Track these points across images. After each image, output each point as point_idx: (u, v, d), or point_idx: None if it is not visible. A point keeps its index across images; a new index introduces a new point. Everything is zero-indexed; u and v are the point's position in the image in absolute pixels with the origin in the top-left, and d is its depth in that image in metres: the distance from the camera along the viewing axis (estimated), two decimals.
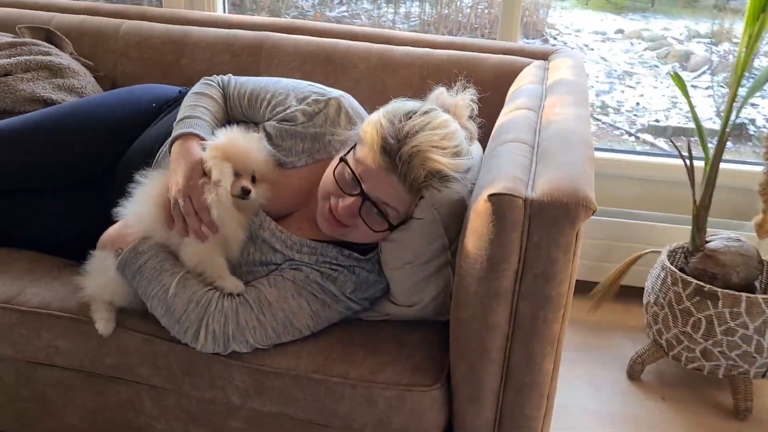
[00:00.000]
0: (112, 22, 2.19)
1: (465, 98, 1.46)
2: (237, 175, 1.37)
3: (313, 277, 1.41)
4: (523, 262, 1.16)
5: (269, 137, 1.51)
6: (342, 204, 1.33)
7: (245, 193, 1.36)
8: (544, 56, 2.00)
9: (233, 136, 1.40)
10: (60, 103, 1.91)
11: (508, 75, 1.91)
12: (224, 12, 2.68)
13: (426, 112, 1.33)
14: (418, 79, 1.97)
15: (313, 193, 1.47)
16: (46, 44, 2.06)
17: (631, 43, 3.64)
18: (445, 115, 1.36)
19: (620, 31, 3.69)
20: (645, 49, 3.66)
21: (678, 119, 3.36)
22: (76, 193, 1.71)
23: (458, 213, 1.34)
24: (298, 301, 1.40)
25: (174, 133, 1.47)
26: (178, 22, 2.20)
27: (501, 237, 1.14)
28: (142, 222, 1.43)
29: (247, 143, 1.39)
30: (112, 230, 1.49)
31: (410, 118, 1.31)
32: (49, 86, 1.94)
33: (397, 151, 1.27)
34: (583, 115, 1.46)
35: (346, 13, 3.51)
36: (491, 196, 1.13)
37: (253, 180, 1.39)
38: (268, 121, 1.54)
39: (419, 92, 1.90)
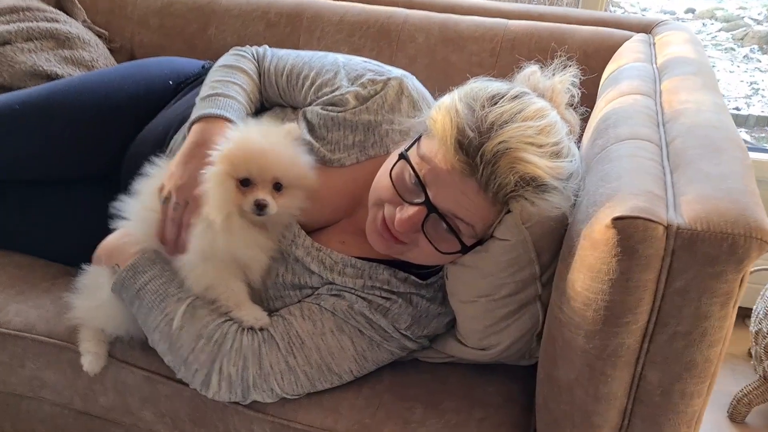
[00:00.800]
0: None
1: (564, 80, 1.11)
2: (248, 182, 1.05)
3: (358, 307, 1.10)
4: (658, 315, 0.82)
5: (311, 127, 1.19)
6: (400, 215, 1.01)
7: (260, 208, 1.04)
8: (646, 29, 1.63)
9: (245, 137, 1.06)
10: (63, 77, 1.62)
11: (603, 51, 1.55)
12: None
13: (517, 97, 0.99)
14: (489, 55, 1.63)
15: (362, 198, 1.14)
16: (54, 10, 1.78)
17: (703, 24, 3.36)
18: (541, 102, 1.02)
19: (691, 11, 3.39)
20: (719, 30, 3.34)
21: (761, 107, 3.04)
22: (76, 187, 1.42)
23: (556, 233, 1.00)
24: (339, 339, 1.09)
25: (196, 113, 1.16)
26: None
27: (628, 278, 0.80)
28: (145, 230, 1.13)
29: (268, 143, 1.05)
30: (109, 240, 1.20)
31: (496, 103, 0.97)
32: (53, 58, 1.65)
33: (478, 148, 0.93)
34: (721, 105, 1.09)
35: None
36: (617, 220, 0.79)
37: (278, 187, 1.07)
38: (310, 105, 1.22)
39: (491, 73, 1.56)
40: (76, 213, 1.41)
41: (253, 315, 1.08)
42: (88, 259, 1.21)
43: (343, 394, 1.10)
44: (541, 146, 0.95)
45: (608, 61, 1.53)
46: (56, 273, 1.37)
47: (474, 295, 1.06)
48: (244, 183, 1.04)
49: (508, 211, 0.98)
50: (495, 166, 0.93)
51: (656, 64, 1.38)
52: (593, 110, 1.31)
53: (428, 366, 1.18)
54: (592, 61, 1.52)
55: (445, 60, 1.65)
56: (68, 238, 1.40)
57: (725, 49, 3.31)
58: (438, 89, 1.22)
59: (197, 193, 1.05)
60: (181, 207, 1.08)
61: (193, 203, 1.06)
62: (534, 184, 0.94)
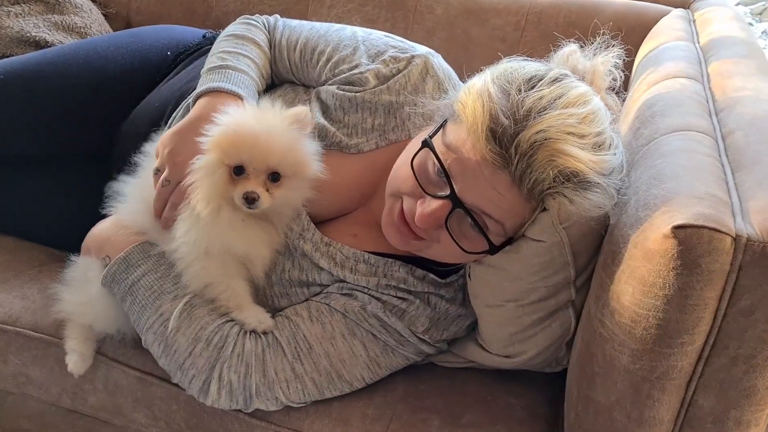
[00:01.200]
0: None
1: (607, 62, 0.99)
2: (242, 170, 0.93)
3: (371, 308, 1.00)
4: (717, 336, 0.72)
5: (325, 108, 1.08)
6: (421, 210, 0.90)
7: (250, 202, 0.93)
8: (683, 4, 1.51)
9: (236, 121, 0.94)
10: (53, 45, 1.50)
11: (638, 27, 1.44)
12: None
13: (557, 80, 0.88)
14: (513, 30, 1.52)
15: (379, 187, 1.04)
16: None
17: None
18: (583, 86, 0.90)
19: None
20: (737, 4, 3.24)
21: None
22: (65, 166, 1.32)
23: (595, 234, 0.90)
24: (351, 344, 0.99)
25: (203, 85, 1.05)
26: None
27: (687, 295, 0.70)
28: (139, 217, 1.03)
29: (263, 128, 0.93)
30: (99, 228, 1.10)
31: (534, 87, 0.86)
32: (42, 24, 1.53)
33: (512, 138, 0.82)
34: None
35: None
36: (678, 229, 0.69)
37: (275, 178, 0.95)
38: (325, 84, 1.10)
39: (515, 49, 1.45)
40: (65, 193, 1.30)
41: (256, 317, 0.98)
42: (79, 243, 1.11)
43: (354, 403, 1.01)
44: (583, 137, 0.84)
45: (644, 38, 1.41)
46: (44, 258, 1.27)
47: (500, 299, 0.96)
48: (238, 171, 0.93)
49: (544, 209, 0.87)
50: (531, 158, 0.82)
51: (699, 43, 1.26)
52: (628, 92, 1.20)
53: (445, 371, 1.08)
54: (626, 39, 1.39)
55: (465, 34, 1.53)
56: (57, 221, 1.31)
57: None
58: (456, 67, 1.12)
59: (189, 172, 0.95)
60: (171, 185, 0.97)
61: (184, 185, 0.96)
62: (574, 180, 0.83)
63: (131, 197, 1.05)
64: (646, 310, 0.73)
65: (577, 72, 0.96)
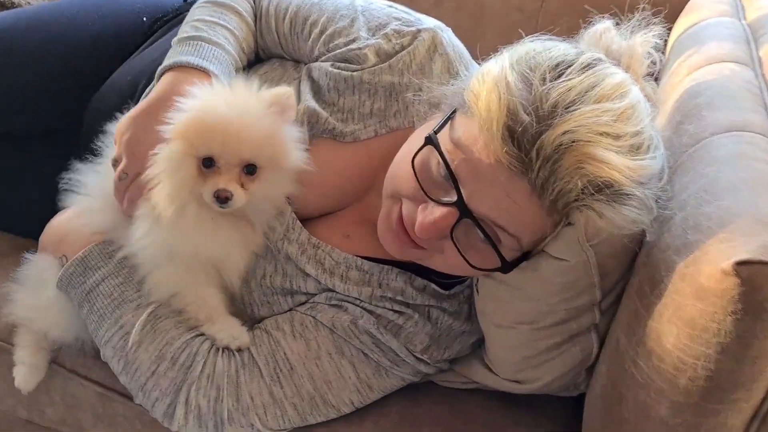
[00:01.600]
0: None
1: (646, 42, 0.84)
2: (211, 163, 0.80)
3: (363, 324, 0.87)
4: None
5: (317, 89, 0.93)
6: (423, 218, 0.77)
7: (221, 201, 0.79)
8: None
9: (204, 105, 0.79)
10: (21, 6, 1.35)
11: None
12: None
13: (589, 66, 0.73)
14: None
15: (377, 180, 0.90)
16: None
17: None
18: (619, 73, 0.75)
19: None
20: None
21: None
22: (27, 144, 1.18)
23: (628, 252, 0.76)
24: (338, 364, 0.87)
25: (171, 58, 0.92)
26: None
27: (747, 344, 0.57)
28: (99, 215, 0.90)
29: (236, 113, 0.79)
30: (58, 222, 0.97)
31: (561, 75, 0.71)
32: None
33: (534, 139, 0.68)
34: None
35: None
36: (741, 266, 0.55)
37: (251, 170, 0.81)
38: (317, 60, 0.96)
39: (533, 21, 1.31)
40: (27, 175, 1.17)
41: (230, 332, 0.85)
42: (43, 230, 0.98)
43: (341, 429, 0.89)
44: (618, 138, 0.70)
45: (680, 12, 1.25)
46: (4, 248, 1.14)
47: (512, 320, 0.83)
48: (207, 163, 0.79)
49: (568, 223, 0.73)
50: (556, 164, 0.68)
51: (746, 20, 1.10)
52: (663, 75, 1.05)
53: (446, 393, 0.96)
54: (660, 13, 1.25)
55: (477, 2, 1.38)
56: (18, 205, 1.17)
57: None
58: (469, 42, 0.96)
59: (148, 176, 0.81)
60: (128, 178, 0.84)
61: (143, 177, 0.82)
62: (607, 192, 0.69)
63: (90, 189, 0.91)
64: (694, 357, 0.60)
65: (611, 54, 0.81)
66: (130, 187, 0.84)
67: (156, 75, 0.93)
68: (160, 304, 0.86)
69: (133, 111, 0.87)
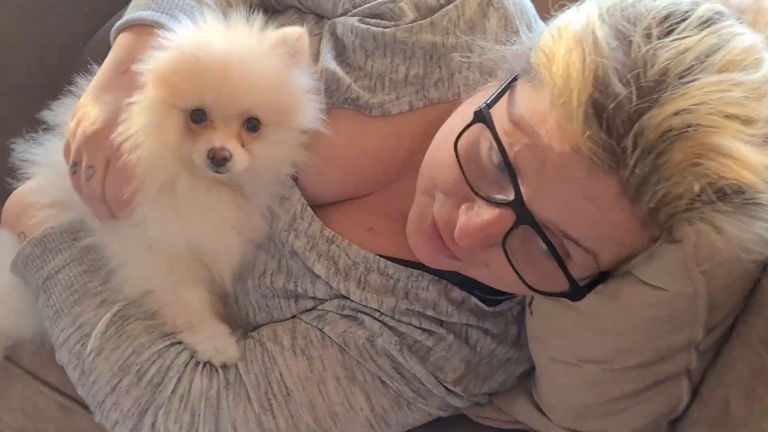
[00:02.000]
0: None
1: None
2: (202, 116, 0.62)
3: (383, 342, 0.69)
4: None
5: (341, 48, 0.75)
6: (467, 219, 0.57)
7: (218, 162, 0.62)
8: None
9: (194, 41, 0.61)
10: None
11: None
12: None
13: (708, 22, 0.53)
14: None
15: (411, 164, 0.71)
16: None
17: None
18: (748, 33, 0.55)
19: None
20: None
21: None
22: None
23: (747, 280, 0.56)
24: (348, 393, 0.69)
25: (126, 16, 0.73)
26: None
27: None
28: (59, 185, 0.73)
29: (235, 51, 0.62)
30: (21, 191, 0.80)
31: (671, 31, 0.51)
32: None
33: (632, 119, 0.49)
34: None
35: None
36: None
37: (253, 126, 0.64)
38: (342, 15, 0.77)
39: None
40: None
41: (214, 343, 0.68)
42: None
43: None
44: (751, 122, 0.50)
45: None
46: None
47: (577, 355, 0.63)
48: (197, 117, 0.62)
49: (672, 239, 0.53)
50: (662, 157, 0.48)
51: None
52: None
53: (481, 430, 0.77)
54: None
55: None
56: None
57: None
58: None
59: (120, 141, 0.63)
60: (98, 171, 0.66)
61: (118, 159, 0.64)
62: (734, 199, 0.49)
63: (51, 154, 0.74)
64: None
65: (730, 6, 0.60)
66: (106, 180, 0.66)
67: (111, 36, 0.75)
68: (130, 302, 0.69)
69: (87, 91, 0.70)
